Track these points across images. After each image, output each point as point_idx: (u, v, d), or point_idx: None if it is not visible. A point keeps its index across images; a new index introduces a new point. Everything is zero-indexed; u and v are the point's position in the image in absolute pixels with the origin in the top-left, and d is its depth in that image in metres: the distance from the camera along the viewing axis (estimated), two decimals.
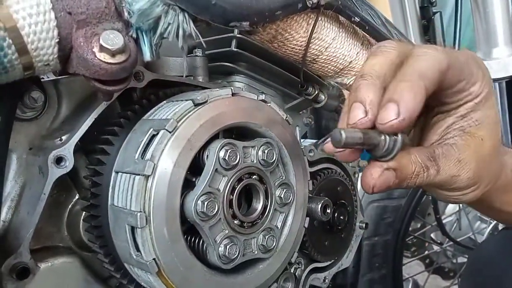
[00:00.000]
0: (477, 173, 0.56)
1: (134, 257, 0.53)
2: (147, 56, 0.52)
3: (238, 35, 0.73)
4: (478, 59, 0.57)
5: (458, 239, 1.85)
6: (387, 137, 0.48)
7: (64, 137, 0.59)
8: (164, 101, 0.61)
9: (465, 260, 2.03)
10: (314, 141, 0.98)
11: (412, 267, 2.06)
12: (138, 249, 0.53)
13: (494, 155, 0.58)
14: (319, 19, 0.63)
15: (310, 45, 0.65)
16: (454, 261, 2.08)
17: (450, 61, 0.51)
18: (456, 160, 0.55)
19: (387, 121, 0.46)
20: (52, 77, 0.64)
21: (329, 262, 0.88)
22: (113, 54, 0.48)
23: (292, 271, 0.76)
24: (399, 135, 0.49)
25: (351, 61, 0.69)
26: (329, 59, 0.68)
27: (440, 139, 0.59)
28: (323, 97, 0.86)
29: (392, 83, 0.49)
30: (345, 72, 0.71)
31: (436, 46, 0.53)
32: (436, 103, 0.57)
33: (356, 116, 0.48)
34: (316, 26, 0.63)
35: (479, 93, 0.55)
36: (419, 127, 0.62)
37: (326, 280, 0.88)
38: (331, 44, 0.66)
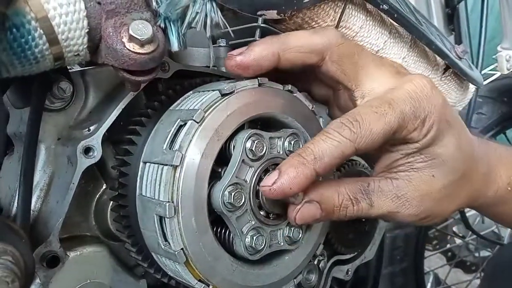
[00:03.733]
0: (423, 209, 0.53)
1: (162, 246, 0.53)
2: (175, 46, 0.52)
3: (262, 25, 0.72)
4: (427, 92, 0.53)
5: (481, 233, 1.81)
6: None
7: (92, 128, 0.59)
8: (190, 92, 0.61)
9: (488, 254, 1.99)
10: None
11: (433, 261, 2.04)
12: (166, 239, 0.53)
13: (448, 191, 0.55)
14: (347, 7, 0.61)
15: None
16: (477, 254, 2.05)
17: (361, 146, 0.50)
18: (394, 196, 0.52)
19: (264, 185, 0.51)
20: (78, 68, 0.65)
21: (352, 255, 0.87)
22: (142, 44, 0.48)
23: (315, 263, 0.75)
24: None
25: (378, 50, 0.68)
26: None
27: (384, 172, 0.56)
28: None
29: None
30: None
31: (384, 109, 0.51)
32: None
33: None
34: (343, 14, 0.62)
35: (422, 136, 0.52)
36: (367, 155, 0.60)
37: (349, 273, 0.87)
38: (358, 33, 0.65)
